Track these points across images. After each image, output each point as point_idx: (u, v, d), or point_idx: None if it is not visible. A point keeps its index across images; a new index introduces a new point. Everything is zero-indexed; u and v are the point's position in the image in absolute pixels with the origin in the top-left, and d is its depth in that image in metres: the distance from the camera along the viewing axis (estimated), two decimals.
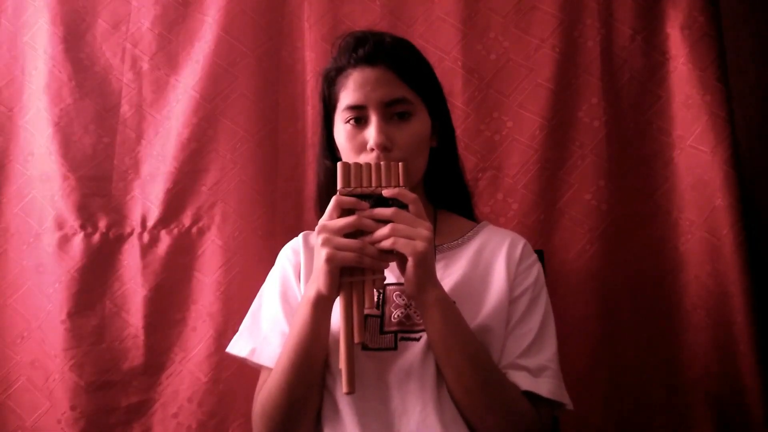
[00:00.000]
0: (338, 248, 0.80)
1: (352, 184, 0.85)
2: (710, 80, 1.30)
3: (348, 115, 0.95)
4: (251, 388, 1.00)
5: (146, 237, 1.35)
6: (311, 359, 0.87)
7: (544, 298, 0.98)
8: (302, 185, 1.41)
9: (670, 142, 1.34)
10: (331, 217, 0.83)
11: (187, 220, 1.36)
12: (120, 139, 1.40)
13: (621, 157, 1.35)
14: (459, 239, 1.03)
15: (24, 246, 1.36)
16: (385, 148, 0.91)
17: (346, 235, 0.81)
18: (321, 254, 0.81)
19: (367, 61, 0.94)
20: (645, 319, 1.30)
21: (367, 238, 0.81)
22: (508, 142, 1.37)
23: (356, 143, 0.94)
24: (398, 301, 0.94)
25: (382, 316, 0.93)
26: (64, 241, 1.34)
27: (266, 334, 0.98)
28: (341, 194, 0.84)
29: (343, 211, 0.83)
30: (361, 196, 0.84)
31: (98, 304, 1.32)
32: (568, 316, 1.26)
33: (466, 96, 1.38)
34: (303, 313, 0.86)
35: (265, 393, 0.90)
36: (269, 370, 0.93)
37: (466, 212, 1.11)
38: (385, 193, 0.84)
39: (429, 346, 0.88)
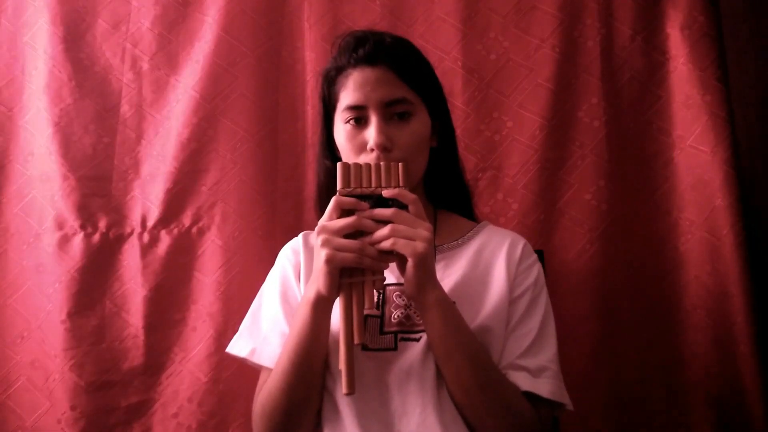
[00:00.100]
0: (338, 249, 0.80)
1: (352, 185, 0.85)
2: (710, 80, 1.30)
3: (348, 115, 0.95)
4: (251, 388, 1.00)
5: (146, 237, 1.35)
6: (311, 360, 0.87)
7: (544, 298, 0.98)
8: (302, 185, 1.41)
9: (670, 142, 1.34)
10: (330, 218, 0.83)
11: (187, 220, 1.36)
12: (120, 139, 1.40)
13: (621, 157, 1.35)
14: (459, 239, 1.03)
15: (24, 246, 1.36)
16: (385, 148, 0.91)
17: (346, 236, 0.81)
18: (321, 255, 0.81)
19: (367, 61, 0.94)
20: (645, 319, 1.30)
21: (367, 239, 0.81)
22: (508, 142, 1.37)
23: (356, 143, 0.94)
24: (398, 301, 0.94)
25: (382, 317, 0.93)
26: (64, 241, 1.34)
27: (266, 335, 0.98)
28: (341, 195, 0.84)
29: (343, 212, 0.83)
30: (361, 197, 0.84)
31: (98, 304, 1.32)
32: (568, 316, 1.26)
33: (466, 96, 1.38)
34: (303, 313, 0.86)
35: (265, 393, 0.90)
36: (269, 370, 0.93)
37: (466, 212, 1.11)
38: (385, 193, 0.84)
39: (429, 346, 0.88)
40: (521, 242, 1.02)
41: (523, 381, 0.88)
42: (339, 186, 0.85)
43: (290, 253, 1.07)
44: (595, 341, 1.28)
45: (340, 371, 0.81)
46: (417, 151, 0.96)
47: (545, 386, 0.89)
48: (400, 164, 0.87)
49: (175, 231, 1.36)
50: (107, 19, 1.44)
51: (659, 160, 1.35)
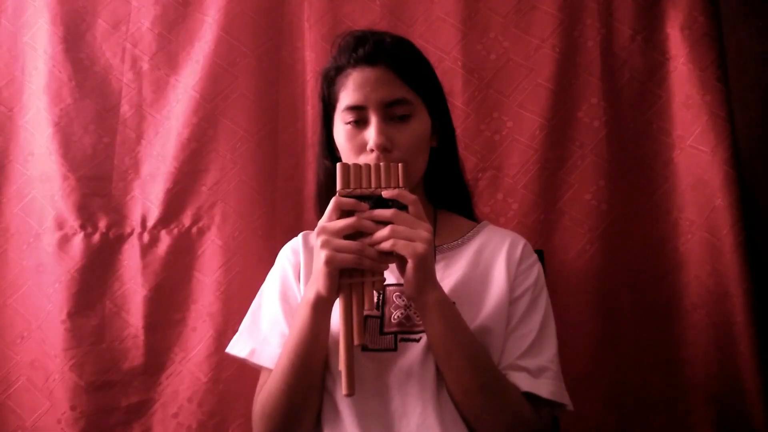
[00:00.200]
0: (338, 250, 0.80)
1: (352, 185, 0.85)
2: (710, 80, 1.30)
3: (348, 116, 0.94)
4: (251, 388, 1.00)
5: (146, 237, 1.35)
6: (311, 361, 0.87)
7: (544, 298, 0.98)
8: (302, 185, 1.41)
9: (670, 142, 1.34)
10: (330, 219, 0.83)
11: (187, 220, 1.36)
12: (120, 139, 1.40)
13: (621, 157, 1.35)
14: (459, 239, 1.03)
15: (24, 246, 1.36)
16: (385, 149, 0.91)
17: (346, 237, 0.81)
18: (320, 256, 0.81)
19: (367, 61, 0.94)
20: (645, 319, 1.30)
21: (367, 240, 0.81)
22: (508, 142, 1.37)
23: (356, 144, 0.94)
24: (398, 301, 0.94)
25: (381, 317, 0.93)
26: (64, 241, 1.34)
27: (266, 335, 0.98)
28: (340, 195, 0.84)
29: (343, 213, 0.83)
30: (361, 197, 0.84)
31: (98, 304, 1.32)
32: (568, 316, 1.26)
33: (466, 96, 1.38)
34: (302, 314, 0.86)
35: (265, 394, 0.90)
36: (269, 370, 0.93)
37: (466, 212, 1.11)
38: (385, 194, 0.84)
39: (429, 347, 0.88)
40: (521, 242, 1.02)
41: (523, 381, 0.88)
42: (338, 187, 0.85)
43: (290, 253, 1.07)
44: (595, 341, 1.28)
45: (339, 372, 0.81)
46: (417, 152, 0.96)
47: (545, 387, 0.88)
48: (399, 165, 0.87)
49: (175, 231, 1.36)
50: (107, 19, 1.44)
51: (659, 160, 1.35)
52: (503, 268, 0.97)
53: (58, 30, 1.41)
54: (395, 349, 0.91)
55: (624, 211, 1.33)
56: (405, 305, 0.94)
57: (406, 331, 0.91)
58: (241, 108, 1.39)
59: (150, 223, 1.35)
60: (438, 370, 0.87)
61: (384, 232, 0.81)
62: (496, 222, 1.25)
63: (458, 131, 1.16)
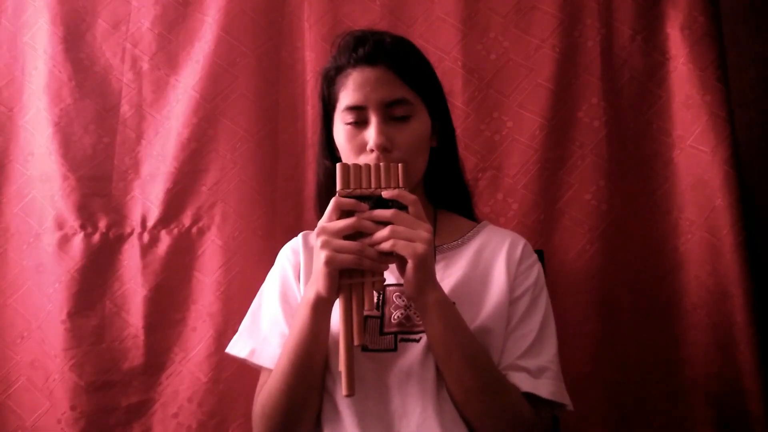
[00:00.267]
0: (337, 250, 0.80)
1: (352, 186, 0.85)
2: (710, 80, 1.30)
3: (347, 116, 0.94)
4: (251, 388, 1.00)
5: (146, 237, 1.35)
6: (311, 361, 0.87)
7: (544, 298, 0.98)
8: (302, 185, 1.41)
9: (670, 142, 1.34)
10: (330, 219, 0.82)
11: (187, 220, 1.36)
12: (120, 139, 1.40)
13: (621, 157, 1.35)
14: (459, 239, 1.03)
15: (24, 246, 1.36)
16: (385, 149, 0.91)
17: (346, 237, 0.81)
18: (320, 257, 0.81)
19: (366, 61, 0.94)
20: (645, 319, 1.30)
21: (367, 240, 0.81)
22: (508, 142, 1.37)
23: (356, 144, 0.94)
24: (398, 301, 0.94)
25: (381, 317, 0.93)
26: (64, 241, 1.34)
27: (266, 335, 0.98)
28: (340, 195, 0.84)
29: (343, 213, 0.83)
30: (361, 198, 0.84)
31: (98, 304, 1.32)
32: (568, 316, 1.26)
33: (466, 96, 1.38)
34: (302, 315, 0.86)
35: (265, 394, 0.90)
36: (269, 370, 0.93)
37: (466, 212, 1.11)
38: (385, 194, 0.84)
39: (429, 347, 0.88)
40: (521, 242, 1.02)
41: (523, 382, 0.88)
42: (338, 187, 0.84)
43: (290, 253, 1.07)
44: (595, 341, 1.28)
45: (340, 372, 0.81)
46: (417, 152, 0.96)
47: (545, 387, 0.89)
48: (399, 165, 0.87)
49: (175, 231, 1.36)
50: (107, 19, 1.44)
51: (659, 160, 1.35)
52: (503, 268, 0.97)
53: (58, 30, 1.41)
54: (395, 349, 0.91)
55: (624, 211, 1.33)
56: (405, 305, 0.94)
57: (406, 332, 0.91)
58: (241, 108, 1.39)
59: (150, 223, 1.35)
60: (438, 370, 0.87)
61: (384, 232, 0.81)
62: (496, 222, 1.25)
63: (458, 131, 1.16)
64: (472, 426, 0.86)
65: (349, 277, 0.83)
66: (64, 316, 1.30)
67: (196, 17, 1.43)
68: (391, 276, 0.93)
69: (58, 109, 1.38)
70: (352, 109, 0.94)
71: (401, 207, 0.83)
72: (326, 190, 1.03)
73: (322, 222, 0.83)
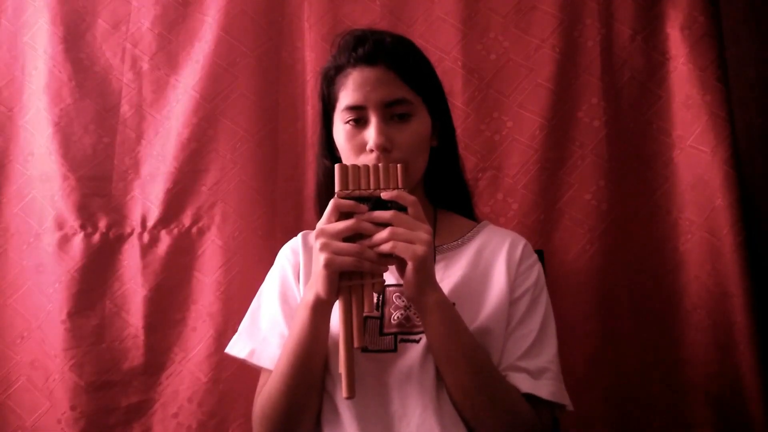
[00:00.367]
0: (337, 253, 0.80)
1: (350, 187, 0.84)
2: (710, 80, 1.30)
3: (347, 116, 0.94)
4: (251, 388, 1.00)
5: (146, 237, 1.35)
6: (310, 363, 0.87)
7: (544, 299, 0.97)
8: (302, 185, 1.41)
9: (670, 142, 1.34)
10: (329, 221, 0.82)
11: (187, 220, 1.36)
12: (120, 139, 1.40)
13: (621, 157, 1.35)
14: (459, 239, 1.02)
15: (24, 246, 1.36)
16: (384, 149, 0.91)
17: (345, 239, 0.81)
18: (319, 259, 0.81)
19: (366, 60, 0.94)
20: (645, 319, 1.30)
21: (366, 242, 0.81)
22: (508, 142, 1.37)
23: (356, 143, 0.94)
24: (398, 302, 0.94)
25: (381, 318, 0.93)
26: (64, 241, 1.34)
27: (265, 336, 0.98)
28: (339, 197, 0.83)
29: (342, 214, 0.83)
30: (360, 199, 0.83)
31: (98, 304, 1.32)
32: (568, 316, 1.26)
33: (466, 96, 1.38)
34: (302, 316, 0.86)
35: (265, 396, 0.90)
36: (269, 371, 0.93)
37: (467, 212, 1.11)
38: (384, 195, 0.83)
39: (428, 348, 0.88)
40: (521, 242, 1.02)
41: (523, 382, 0.88)
42: (337, 188, 0.84)
43: (289, 253, 1.07)
44: (595, 341, 1.28)
45: (339, 374, 0.81)
46: (417, 152, 0.95)
47: (545, 387, 0.88)
48: (398, 165, 0.86)
49: (175, 231, 1.36)
50: (107, 19, 1.44)
51: (659, 160, 1.35)
52: (503, 269, 0.97)
53: (58, 30, 1.41)
54: (395, 349, 0.90)
55: (624, 211, 1.33)
56: (405, 306, 0.93)
57: (405, 332, 0.91)
58: (241, 108, 1.39)
59: (150, 223, 1.35)
60: (438, 371, 0.87)
61: (383, 234, 0.80)
62: (496, 222, 1.25)
63: (458, 131, 1.16)
64: (471, 427, 0.86)
65: (348, 279, 0.82)
66: (64, 316, 1.30)
67: (196, 17, 1.43)
68: (390, 276, 0.93)
69: (58, 109, 1.38)
70: (351, 108, 0.94)
71: (400, 208, 0.83)
72: (326, 190, 1.03)
73: (321, 223, 0.83)
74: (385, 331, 0.92)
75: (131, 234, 1.36)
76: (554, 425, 1.12)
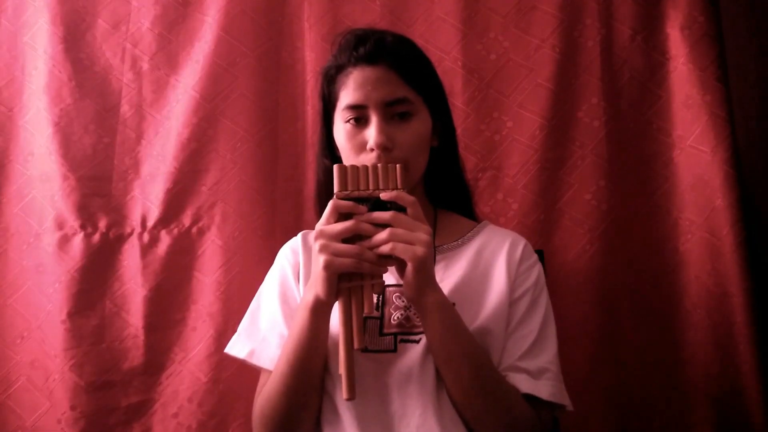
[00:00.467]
0: (336, 254, 0.80)
1: (349, 187, 0.84)
2: (710, 80, 1.30)
3: (348, 115, 0.94)
4: (251, 388, 1.00)
5: (146, 237, 1.35)
6: (310, 364, 0.87)
7: (544, 299, 0.97)
8: (302, 185, 1.41)
9: (670, 142, 1.34)
10: (328, 222, 0.82)
11: (187, 220, 1.36)
12: (120, 139, 1.40)
13: (621, 157, 1.35)
14: (459, 239, 1.02)
15: (24, 246, 1.36)
16: (385, 148, 0.91)
17: (344, 240, 0.81)
18: (319, 261, 0.80)
19: (367, 60, 0.94)
20: (645, 319, 1.30)
21: (366, 243, 0.81)
22: (508, 142, 1.37)
23: (356, 143, 0.94)
24: (398, 302, 0.94)
25: (381, 318, 0.93)
26: (64, 241, 1.34)
27: (265, 336, 0.98)
28: (338, 198, 0.83)
29: (341, 215, 0.83)
30: (359, 200, 0.83)
31: (98, 304, 1.32)
32: (568, 316, 1.26)
33: (466, 96, 1.38)
34: (301, 318, 0.86)
35: (265, 396, 0.90)
36: (269, 372, 0.93)
37: (467, 212, 1.11)
38: (383, 196, 0.83)
39: (428, 348, 0.88)
40: (522, 243, 1.02)
41: (523, 383, 0.88)
42: (336, 189, 0.84)
43: (289, 253, 1.07)
44: (595, 341, 1.28)
45: (339, 375, 0.81)
46: (418, 151, 0.95)
47: (545, 388, 0.88)
48: (397, 166, 0.86)
49: (175, 231, 1.36)
50: (107, 19, 1.44)
51: (659, 160, 1.34)
52: (503, 269, 0.97)
53: (58, 30, 1.41)
54: (395, 350, 0.90)
55: (624, 211, 1.33)
56: (405, 306, 0.93)
57: (405, 332, 0.91)
58: (241, 108, 1.39)
59: (150, 223, 1.35)
60: (438, 371, 0.87)
61: (383, 235, 0.80)
62: (496, 222, 1.25)
63: (458, 131, 1.16)
64: (471, 427, 0.86)
65: (348, 280, 0.82)
66: (64, 316, 1.30)
67: (196, 17, 1.43)
68: (390, 276, 0.93)
69: (58, 109, 1.38)
70: (352, 107, 0.94)
71: (400, 208, 0.83)
72: (326, 190, 1.02)
73: (320, 225, 0.83)
74: (385, 331, 0.92)
75: (131, 234, 1.36)
76: (554, 425, 1.12)
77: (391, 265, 0.84)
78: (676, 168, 1.33)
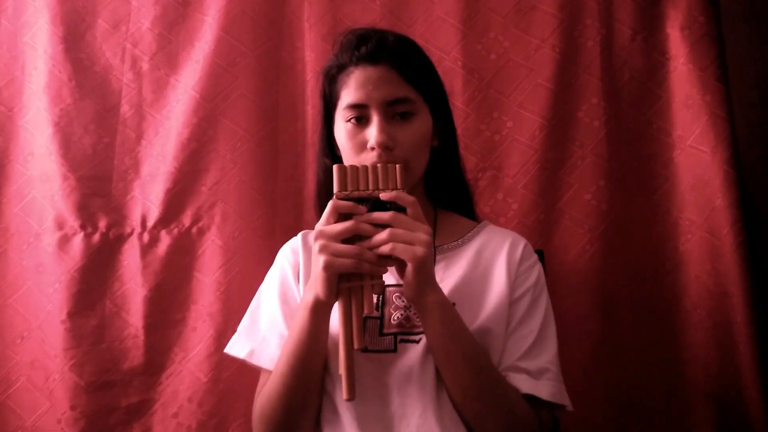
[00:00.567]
0: (336, 255, 0.80)
1: (349, 188, 0.84)
2: (710, 80, 1.30)
3: (349, 114, 0.94)
4: (251, 388, 1.00)
5: (146, 237, 1.35)
6: (310, 364, 0.87)
7: (544, 299, 0.97)
8: (302, 185, 1.41)
9: (670, 142, 1.34)
10: (328, 222, 0.82)
11: (187, 220, 1.36)
12: (120, 139, 1.40)
13: (621, 157, 1.35)
14: (459, 239, 1.02)
15: (24, 246, 1.36)
16: (386, 147, 0.91)
17: (344, 240, 0.81)
18: (319, 261, 0.80)
19: (369, 59, 0.94)
20: (645, 319, 1.30)
21: (366, 243, 0.81)
22: (508, 142, 1.37)
23: (357, 142, 0.94)
24: (398, 302, 0.94)
25: (381, 318, 0.93)
26: (64, 241, 1.34)
27: (264, 336, 0.98)
28: (338, 198, 0.83)
29: (341, 216, 0.83)
30: (358, 200, 0.83)
31: (98, 304, 1.32)
32: (568, 316, 1.26)
33: (466, 96, 1.38)
34: (301, 318, 0.86)
35: (265, 396, 0.90)
36: (269, 372, 0.93)
37: (467, 212, 1.11)
38: (383, 196, 0.83)
39: (428, 348, 0.88)
40: (522, 243, 1.02)
41: (523, 383, 0.88)
42: (336, 189, 0.84)
43: (289, 253, 1.07)
44: (595, 341, 1.28)
45: (339, 375, 0.81)
46: (418, 150, 0.95)
47: (545, 388, 0.88)
48: (397, 166, 0.86)
49: (175, 231, 1.36)
50: (107, 19, 1.44)
51: (659, 160, 1.35)
52: (503, 269, 0.97)
53: (58, 30, 1.41)
54: (395, 350, 0.90)
55: (624, 211, 1.33)
56: (405, 306, 0.93)
57: (405, 332, 0.91)
58: (241, 108, 1.39)
59: (150, 223, 1.35)
60: (438, 371, 0.87)
61: (382, 235, 0.80)
62: (496, 222, 1.25)
63: (458, 131, 1.16)
64: (471, 427, 0.86)
65: (348, 280, 0.82)
66: (64, 316, 1.30)
67: (196, 17, 1.43)
68: (390, 276, 0.93)
69: (58, 109, 1.38)
70: (353, 107, 0.94)
71: (399, 208, 0.83)
72: (326, 189, 1.02)
73: (320, 225, 0.82)
74: (385, 331, 0.92)
75: (131, 234, 1.36)
76: (554, 425, 1.12)
77: (391, 266, 0.84)
78: (676, 168, 1.33)
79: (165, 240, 1.35)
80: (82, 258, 1.33)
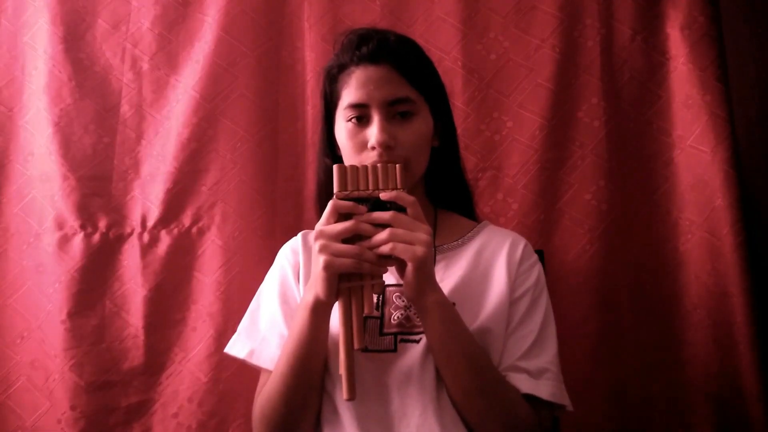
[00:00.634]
0: (336, 255, 0.80)
1: (349, 187, 0.84)
2: (710, 80, 1.30)
3: (350, 114, 0.94)
4: (251, 388, 1.00)
5: (146, 237, 1.35)
6: (310, 364, 0.87)
7: (544, 299, 0.97)
8: (302, 185, 1.41)
9: (670, 142, 1.34)
10: (328, 222, 0.82)
11: (187, 220, 1.36)
12: (120, 139, 1.40)
13: (621, 157, 1.35)
14: (459, 239, 1.02)
15: (24, 246, 1.36)
16: (387, 146, 0.91)
17: (344, 240, 0.81)
18: (319, 261, 0.80)
19: (370, 59, 0.94)
20: (645, 319, 1.30)
21: (366, 243, 0.81)
22: (508, 142, 1.37)
23: (357, 141, 0.94)
24: (398, 302, 0.94)
25: (381, 318, 0.93)
26: (64, 241, 1.34)
27: (264, 336, 0.98)
28: (338, 198, 0.83)
29: (341, 216, 0.83)
30: (359, 200, 0.83)
31: (98, 304, 1.32)
32: (568, 316, 1.26)
33: (466, 96, 1.38)
34: (301, 318, 0.86)
35: (265, 396, 0.90)
36: (269, 371, 0.93)
37: (467, 212, 1.11)
38: (383, 196, 0.83)
39: (428, 348, 0.88)
40: (522, 243, 1.02)
41: (523, 383, 0.88)
42: (336, 189, 0.84)
43: (289, 253, 1.07)
44: (595, 341, 1.28)
45: (339, 375, 0.81)
46: (419, 150, 0.96)
47: (545, 388, 0.88)
48: (397, 165, 0.86)
49: (175, 231, 1.36)
50: (107, 19, 1.44)
51: (659, 160, 1.35)
52: (504, 269, 0.97)
53: (58, 30, 1.41)
54: (395, 350, 0.90)
55: (624, 211, 1.33)
56: (405, 306, 0.93)
57: (405, 332, 0.91)
58: (241, 108, 1.39)
59: (150, 223, 1.35)
60: (438, 371, 0.87)
61: (383, 235, 0.80)
62: (496, 222, 1.25)
63: (458, 131, 1.16)
64: (471, 427, 0.86)
65: (348, 280, 0.82)
66: (64, 316, 1.30)
67: (196, 17, 1.43)
68: (390, 276, 0.93)
69: (58, 109, 1.38)
70: (354, 106, 0.94)
71: (400, 208, 0.83)
72: (326, 189, 1.02)
73: (320, 225, 0.82)
74: (385, 331, 0.92)
75: (131, 234, 1.36)
76: (554, 425, 1.12)
77: (391, 265, 0.84)
78: (676, 168, 1.33)
79: (165, 240, 1.35)
80: (82, 258, 1.33)
